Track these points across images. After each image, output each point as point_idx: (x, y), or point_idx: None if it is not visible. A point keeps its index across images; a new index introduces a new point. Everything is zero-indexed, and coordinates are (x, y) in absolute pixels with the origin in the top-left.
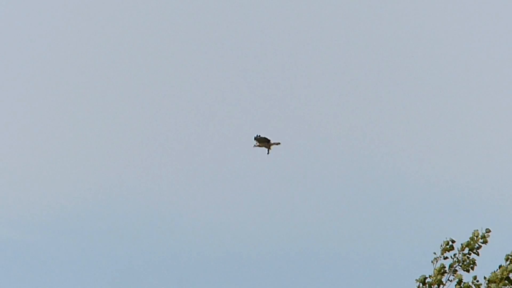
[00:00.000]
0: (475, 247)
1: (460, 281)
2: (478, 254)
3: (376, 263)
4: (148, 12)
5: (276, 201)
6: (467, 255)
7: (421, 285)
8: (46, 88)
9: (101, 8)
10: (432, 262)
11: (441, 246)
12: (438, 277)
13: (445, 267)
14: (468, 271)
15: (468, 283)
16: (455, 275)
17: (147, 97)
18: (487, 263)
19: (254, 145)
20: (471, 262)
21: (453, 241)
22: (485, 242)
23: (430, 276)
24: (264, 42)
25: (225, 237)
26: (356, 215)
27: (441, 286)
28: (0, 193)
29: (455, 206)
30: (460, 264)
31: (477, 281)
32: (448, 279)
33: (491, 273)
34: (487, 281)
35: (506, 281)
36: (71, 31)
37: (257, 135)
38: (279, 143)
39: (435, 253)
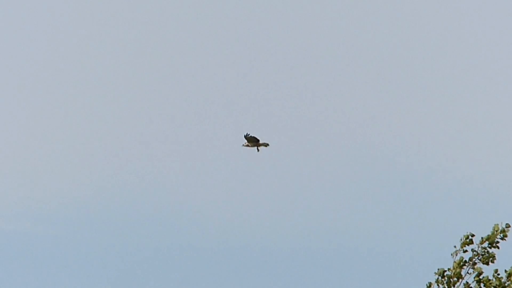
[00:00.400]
0: (495, 241)
1: (479, 274)
2: (498, 248)
3: (396, 256)
4: (144, 8)
5: (292, 195)
6: (487, 249)
7: (440, 278)
8: (57, 82)
9: (97, 6)
10: (451, 255)
11: (461, 239)
12: (458, 270)
13: (464, 260)
14: (487, 264)
15: (487, 277)
16: (474, 268)
17: (156, 97)
18: (507, 257)
19: (243, 145)
20: (491, 256)
21: (472, 235)
22: (504, 236)
23: (449, 269)
24: (262, 41)
25: (234, 232)
26: (376, 209)
27: (460, 279)
28: (10, 187)
29: (475, 200)
30: (480, 257)
31: (498, 274)
32: (468, 272)
33: (511, 267)
34: (507, 274)
35: None
36: (67, 23)
37: (246, 134)
38: (267, 144)
39: (455, 247)
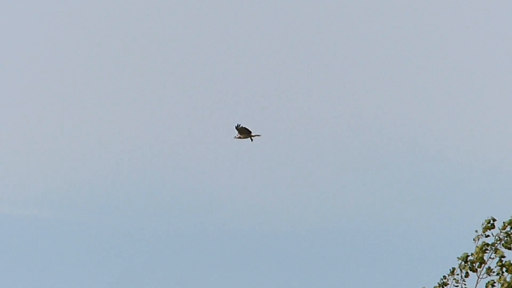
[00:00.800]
0: None
1: (501, 258)
2: None
3: (420, 242)
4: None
5: (314, 180)
6: (509, 233)
7: (463, 263)
8: (68, 69)
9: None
10: (474, 240)
11: (483, 224)
12: (480, 254)
13: (487, 244)
14: (510, 248)
15: (509, 261)
16: (496, 252)
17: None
18: None
19: (235, 136)
20: None
21: (494, 220)
22: None
23: (472, 254)
24: (255, 33)
25: (248, 217)
26: (399, 194)
27: (483, 264)
28: (32, 173)
29: (497, 185)
30: (502, 242)
31: None
32: (490, 257)
33: None
34: None
35: None
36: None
37: (238, 125)
38: (259, 135)
39: (476, 231)
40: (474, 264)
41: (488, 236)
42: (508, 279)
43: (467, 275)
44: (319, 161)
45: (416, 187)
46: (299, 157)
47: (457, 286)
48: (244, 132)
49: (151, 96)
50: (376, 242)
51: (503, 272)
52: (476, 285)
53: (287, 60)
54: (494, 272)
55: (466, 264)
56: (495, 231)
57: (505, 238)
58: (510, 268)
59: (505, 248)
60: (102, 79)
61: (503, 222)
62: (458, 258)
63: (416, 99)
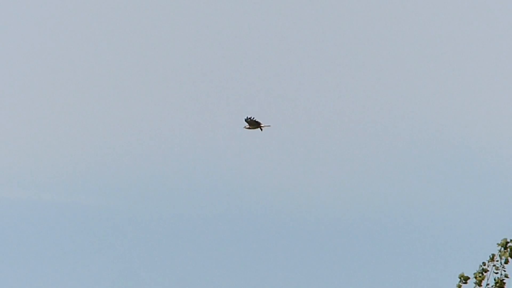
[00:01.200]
0: None
1: None
2: None
3: (459, 227)
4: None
5: (350, 166)
6: None
7: (502, 249)
8: (85, 54)
9: None
10: None
11: None
12: None
13: None
14: None
15: None
16: None
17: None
18: None
19: (244, 127)
20: None
21: None
22: None
23: (511, 240)
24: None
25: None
26: (438, 181)
27: None
28: (57, 158)
29: None
30: None
31: None
32: None
33: None
34: None
35: None
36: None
37: (247, 117)
38: (269, 125)
39: None
40: None
41: None
42: None
43: (506, 261)
44: (355, 151)
45: (455, 174)
46: (324, 145)
47: (497, 272)
48: (253, 124)
49: (172, 88)
50: (415, 228)
51: None
52: None
53: (301, 50)
54: None
55: (505, 251)
56: None
57: None
58: None
59: None
60: (125, 66)
61: None
62: (497, 244)
63: (445, 83)
